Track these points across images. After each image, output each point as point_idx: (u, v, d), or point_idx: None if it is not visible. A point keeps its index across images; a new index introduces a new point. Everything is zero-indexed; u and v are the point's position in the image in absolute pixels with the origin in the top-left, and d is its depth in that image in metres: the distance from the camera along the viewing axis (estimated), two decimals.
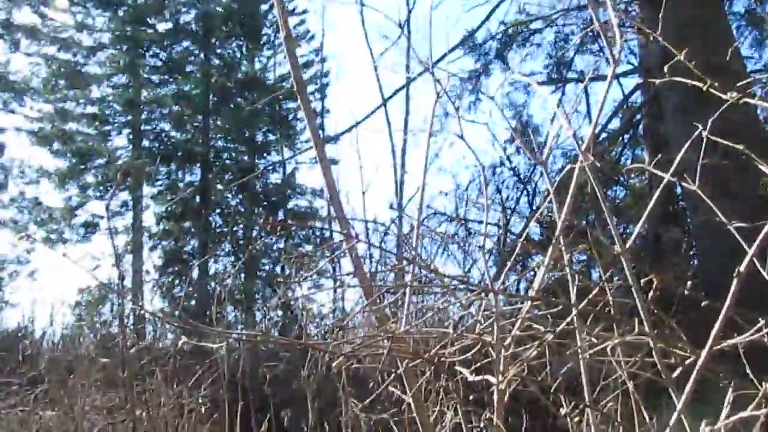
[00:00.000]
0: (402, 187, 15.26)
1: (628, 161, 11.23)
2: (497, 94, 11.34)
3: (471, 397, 2.36)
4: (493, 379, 2.19)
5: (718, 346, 2.28)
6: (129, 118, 20.29)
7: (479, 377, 2.21)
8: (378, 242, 7.28)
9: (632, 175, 10.52)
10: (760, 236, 2.12)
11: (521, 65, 11.56)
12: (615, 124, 11.22)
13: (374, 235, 8.74)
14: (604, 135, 10.54)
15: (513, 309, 2.38)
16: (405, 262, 2.41)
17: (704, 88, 2.53)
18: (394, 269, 2.43)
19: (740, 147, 2.17)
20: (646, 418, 2.54)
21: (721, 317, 2.15)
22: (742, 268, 2.12)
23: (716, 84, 2.56)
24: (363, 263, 2.52)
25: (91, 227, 19.61)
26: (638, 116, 10.88)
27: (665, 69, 2.64)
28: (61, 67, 19.72)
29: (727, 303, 2.16)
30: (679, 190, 8.79)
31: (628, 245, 2.52)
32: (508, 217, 8.71)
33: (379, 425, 4.77)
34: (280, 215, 20.35)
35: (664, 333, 2.54)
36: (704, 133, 2.33)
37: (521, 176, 10.20)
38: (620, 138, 11.08)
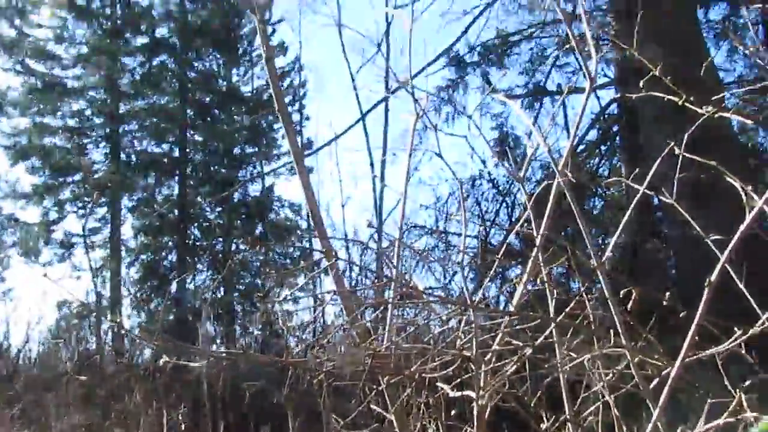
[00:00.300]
0: (381, 201, 15.27)
1: (606, 172, 11.32)
2: (475, 107, 11.41)
3: (452, 413, 2.36)
4: (473, 394, 2.20)
5: (691, 358, 2.31)
6: (107, 131, 20.15)
7: (460, 393, 2.22)
8: (358, 258, 7.28)
9: (610, 188, 10.61)
10: (730, 246, 2.15)
11: (499, 79, 11.64)
12: (592, 135, 11.32)
13: (354, 250, 8.74)
14: (581, 147, 10.63)
15: (493, 324, 2.39)
16: (385, 279, 2.42)
17: (680, 103, 2.57)
18: (374, 286, 2.43)
19: (712, 162, 2.20)
20: (626, 430, 2.55)
21: (693, 327, 2.18)
22: (713, 278, 2.14)
23: (691, 98, 2.60)
24: (343, 280, 2.52)
25: (67, 247, 19.41)
26: (615, 128, 10.99)
27: (641, 84, 2.68)
28: (39, 80, 19.58)
29: (699, 312, 2.18)
30: (656, 200, 8.87)
31: (604, 258, 2.54)
32: (487, 230, 8.74)
33: None
34: (259, 228, 20.26)
35: (641, 345, 2.56)
36: (678, 150, 2.36)
37: (500, 188, 10.26)
38: (597, 149, 11.17)
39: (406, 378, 2.26)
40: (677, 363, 2.15)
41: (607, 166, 11.44)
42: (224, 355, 4.90)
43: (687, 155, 2.35)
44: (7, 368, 7.91)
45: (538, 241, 2.34)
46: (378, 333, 2.43)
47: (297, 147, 2.66)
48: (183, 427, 5.32)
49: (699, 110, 2.53)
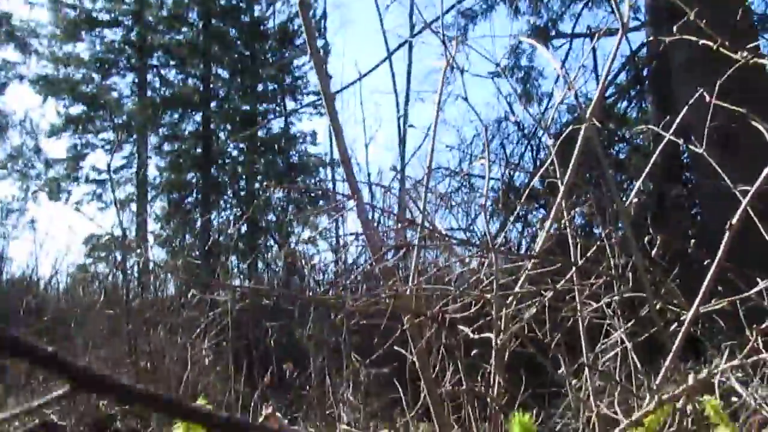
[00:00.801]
0: (404, 142, 15.20)
1: (635, 115, 11.16)
2: (502, 44, 11.25)
3: (472, 353, 2.39)
4: (493, 336, 2.22)
5: (709, 305, 2.31)
6: (133, 64, 20.16)
7: (480, 335, 2.24)
8: (381, 201, 7.28)
9: (637, 134, 10.47)
10: (752, 190, 2.13)
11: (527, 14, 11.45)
12: (621, 78, 11.13)
13: (377, 191, 8.75)
14: (610, 90, 10.47)
15: (513, 266, 2.40)
16: (407, 221, 2.42)
17: (714, 48, 2.51)
18: (397, 229, 2.44)
19: (743, 111, 2.17)
20: (644, 378, 2.57)
21: (711, 272, 2.18)
22: (734, 221, 2.13)
23: (726, 43, 2.54)
24: (369, 221, 2.53)
25: (94, 182, 19.63)
26: (645, 71, 10.78)
27: (674, 29, 2.62)
28: (69, 10, 19.56)
29: (718, 257, 2.18)
30: (684, 147, 8.74)
31: (628, 203, 2.53)
32: (511, 173, 8.68)
33: (381, 380, 4.84)
34: (281, 165, 20.28)
35: (661, 290, 2.56)
36: (708, 98, 2.32)
37: (525, 132, 10.16)
38: (627, 93, 11.00)
39: (428, 319, 2.29)
40: (693, 308, 2.15)
41: (636, 110, 11.28)
42: (248, 290, 4.99)
43: (718, 103, 2.31)
44: (35, 301, 8.08)
45: (562, 188, 2.33)
46: (400, 274, 2.45)
47: (329, 90, 2.64)
48: (207, 361, 5.44)
49: (734, 56, 2.47)
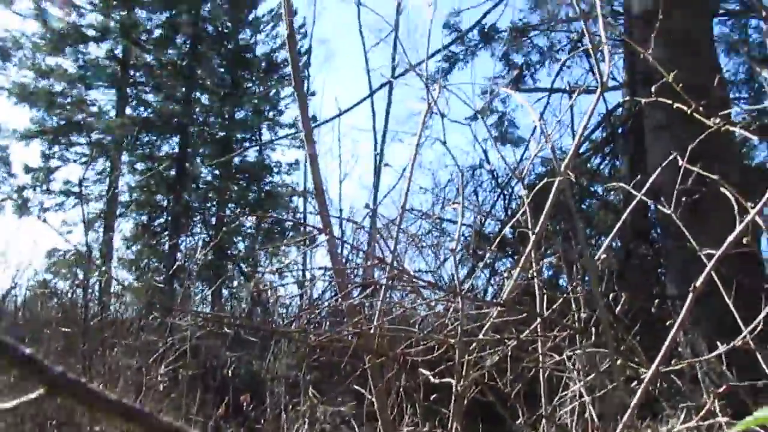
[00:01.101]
0: (379, 180, 15.28)
1: (607, 172, 11.33)
2: (483, 98, 11.41)
3: (432, 398, 2.38)
4: (453, 382, 2.22)
5: (669, 366, 2.33)
6: (115, 81, 20.09)
7: (441, 379, 2.23)
8: (351, 238, 7.26)
9: (609, 191, 10.62)
10: (717, 254, 2.16)
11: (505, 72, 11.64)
12: (596, 135, 11.32)
13: (348, 227, 8.75)
14: (585, 146, 10.63)
15: (479, 313, 2.40)
16: (376, 260, 2.43)
17: (689, 112, 2.57)
18: (366, 266, 2.43)
19: (714, 177, 2.21)
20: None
21: (672, 333, 2.19)
22: (698, 284, 2.16)
23: (700, 108, 2.60)
24: (338, 257, 2.53)
25: (65, 195, 19.41)
26: (620, 131, 10.97)
27: (652, 89, 2.68)
28: (55, 24, 19.49)
29: (680, 319, 2.20)
30: (653, 207, 8.88)
31: (596, 258, 2.55)
32: (482, 221, 8.74)
33: (338, 418, 4.79)
34: (254, 194, 20.26)
35: (623, 348, 2.58)
36: (680, 162, 2.36)
37: (499, 180, 10.25)
38: (601, 150, 11.17)
39: (390, 359, 2.27)
40: (653, 366, 2.17)
41: (609, 167, 11.45)
42: (209, 316, 4.93)
43: (689, 167, 2.36)
44: None
45: (532, 238, 2.34)
46: (366, 313, 2.44)
47: (309, 126, 2.66)
48: (162, 387, 5.34)
49: (707, 121, 2.53)
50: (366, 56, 15.32)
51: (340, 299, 2.44)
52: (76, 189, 19.29)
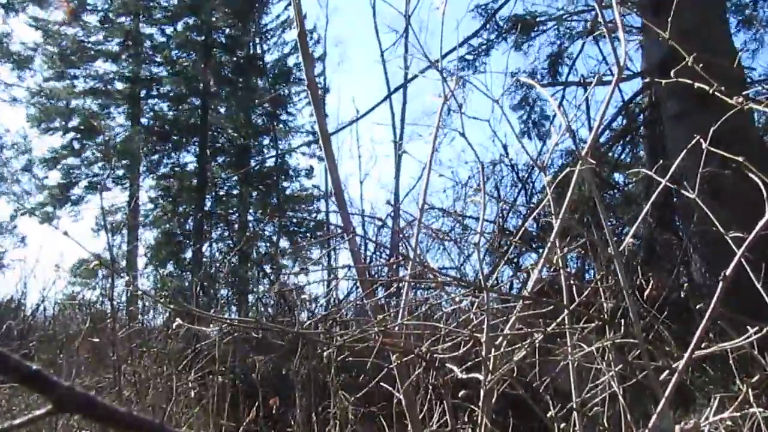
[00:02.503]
0: (399, 179, 15.26)
1: (628, 162, 11.26)
2: (502, 89, 11.39)
3: (460, 394, 2.37)
4: (482, 377, 2.20)
5: (700, 353, 2.30)
6: (129, 93, 20.26)
7: (469, 375, 2.22)
8: (374, 235, 7.26)
9: (630, 180, 10.54)
10: (747, 240, 2.14)
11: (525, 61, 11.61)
12: (615, 124, 11.25)
13: (370, 228, 8.75)
14: (605, 136, 10.56)
15: (505, 307, 2.39)
16: (401, 258, 2.41)
17: (710, 92, 2.54)
18: (389, 263, 2.42)
19: (739, 158, 2.18)
20: (632, 422, 2.55)
21: (704, 321, 2.16)
22: (728, 272, 2.13)
23: (722, 88, 2.57)
24: (360, 256, 2.52)
25: (83, 201, 19.62)
26: (639, 120, 10.90)
27: (671, 73, 2.65)
28: (66, 41, 19.70)
29: (711, 307, 2.17)
30: (675, 197, 8.82)
31: (622, 246, 2.53)
32: (504, 215, 8.70)
33: (368, 418, 4.79)
34: (274, 199, 20.35)
35: (653, 337, 2.55)
36: (704, 144, 2.33)
37: (520, 175, 10.20)
38: (621, 140, 11.09)
39: (416, 357, 2.26)
40: (686, 355, 2.14)
41: (629, 158, 11.37)
42: (236, 322, 4.94)
43: (712, 149, 2.33)
44: (23, 325, 8.00)
45: (556, 228, 2.32)
46: (390, 310, 2.43)
47: (325, 128, 2.65)
48: (192, 393, 5.36)
49: (729, 101, 2.50)
50: (383, 56, 15.24)
51: (363, 298, 2.43)
52: (96, 198, 19.51)
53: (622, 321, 2.51)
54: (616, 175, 11.37)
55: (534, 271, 2.40)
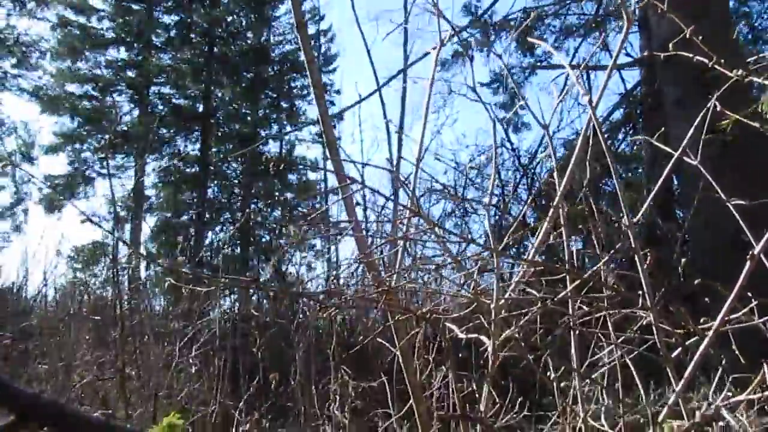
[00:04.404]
0: (401, 145, 15.19)
1: (628, 152, 11.27)
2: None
3: (460, 355, 2.37)
4: (485, 339, 2.20)
5: (725, 327, 2.28)
6: (135, 82, 20.25)
7: (471, 336, 2.22)
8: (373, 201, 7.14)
9: (630, 168, 10.55)
10: None
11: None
12: (616, 116, 11.25)
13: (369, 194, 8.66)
14: (604, 126, 10.54)
15: (511, 272, 2.39)
16: (403, 210, 2.40)
17: (710, 65, 2.55)
18: (395, 222, 2.42)
19: (755, 124, 2.19)
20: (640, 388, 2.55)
21: (732, 294, 2.15)
22: (757, 250, 2.13)
23: (722, 61, 2.57)
24: (355, 210, 2.49)
25: (90, 185, 19.66)
26: (639, 110, 10.89)
27: (670, 45, 2.65)
28: (75, 29, 19.69)
29: (738, 283, 2.15)
30: (676, 186, 8.85)
31: (636, 218, 2.52)
32: (507, 199, 8.69)
33: (368, 394, 4.79)
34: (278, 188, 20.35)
35: (666, 310, 2.54)
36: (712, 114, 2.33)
37: (521, 159, 10.16)
38: (621, 129, 11.10)
39: (415, 315, 2.26)
40: (712, 329, 2.12)
41: (630, 147, 11.37)
42: (236, 282, 4.90)
43: (727, 113, 2.33)
44: (24, 305, 8.01)
45: (559, 190, 2.32)
46: (392, 270, 2.42)
47: (314, 65, 2.64)
48: (194, 369, 5.39)
49: (729, 73, 2.51)
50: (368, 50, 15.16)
51: (362, 257, 2.41)
52: (100, 186, 19.54)
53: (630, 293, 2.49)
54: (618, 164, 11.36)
55: (540, 231, 2.40)
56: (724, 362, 2.92)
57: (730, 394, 2.40)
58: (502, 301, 2.25)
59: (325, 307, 2.36)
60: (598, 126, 2.60)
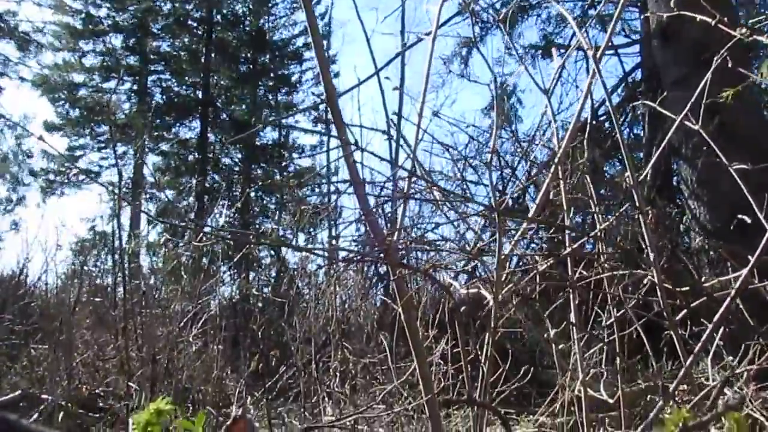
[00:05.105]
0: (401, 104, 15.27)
1: (626, 137, 11.23)
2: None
3: (461, 309, 2.38)
4: (487, 294, 2.20)
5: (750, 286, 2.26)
6: (134, 68, 20.22)
7: (472, 290, 2.22)
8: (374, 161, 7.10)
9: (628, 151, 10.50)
10: None
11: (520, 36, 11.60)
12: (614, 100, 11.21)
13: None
14: (602, 110, 10.52)
15: (513, 230, 2.39)
16: (406, 173, 2.40)
17: (713, 23, 2.55)
18: (396, 180, 2.41)
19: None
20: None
21: (748, 267, 2.12)
22: None
23: (725, 19, 2.57)
24: (356, 169, 2.48)
25: (90, 173, 19.64)
26: (638, 93, 10.86)
27: (671, 4, 2.65)
28: (74, 16, 19.65)
29: (757, 254, 2.11)
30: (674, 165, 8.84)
31: (641, 177, 2.51)
32: (505, 181, 8.65)
33: (368, 373, 4.81)
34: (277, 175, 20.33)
35: (671, 271, 2.53)
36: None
37: (520, 141, 10.11)
38: (619, 113, 11.07)
39: (416, 271, 2.27)
40: (745, 270, 2.08)
41: (627, 133, 11.33)
42: (231, 234, 4.93)
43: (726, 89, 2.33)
44: (24, 289, 8.01)
45: (559, 153, 2.32)
46: (394, 228, 2.41)
47: (314, 22, 2.63)
48: (194, 348, 5.39)
49: (732, 32, 2.51)
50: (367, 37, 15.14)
51: (363, 214, 2.40)
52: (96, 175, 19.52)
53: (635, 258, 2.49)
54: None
55: (541, 190, 2.40)
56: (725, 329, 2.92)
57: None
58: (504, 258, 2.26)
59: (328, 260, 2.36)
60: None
